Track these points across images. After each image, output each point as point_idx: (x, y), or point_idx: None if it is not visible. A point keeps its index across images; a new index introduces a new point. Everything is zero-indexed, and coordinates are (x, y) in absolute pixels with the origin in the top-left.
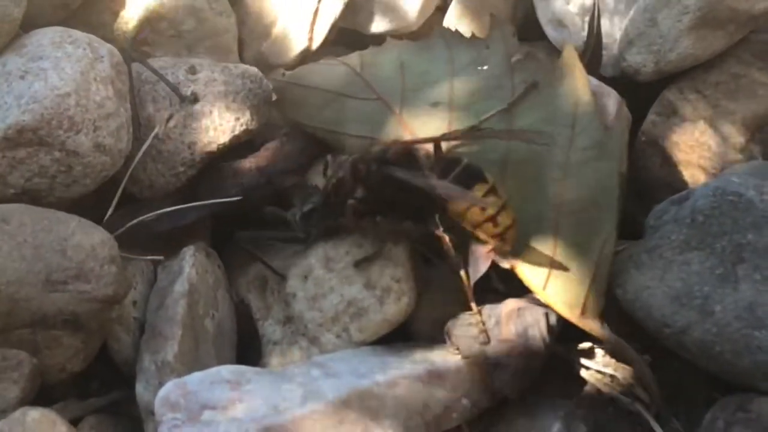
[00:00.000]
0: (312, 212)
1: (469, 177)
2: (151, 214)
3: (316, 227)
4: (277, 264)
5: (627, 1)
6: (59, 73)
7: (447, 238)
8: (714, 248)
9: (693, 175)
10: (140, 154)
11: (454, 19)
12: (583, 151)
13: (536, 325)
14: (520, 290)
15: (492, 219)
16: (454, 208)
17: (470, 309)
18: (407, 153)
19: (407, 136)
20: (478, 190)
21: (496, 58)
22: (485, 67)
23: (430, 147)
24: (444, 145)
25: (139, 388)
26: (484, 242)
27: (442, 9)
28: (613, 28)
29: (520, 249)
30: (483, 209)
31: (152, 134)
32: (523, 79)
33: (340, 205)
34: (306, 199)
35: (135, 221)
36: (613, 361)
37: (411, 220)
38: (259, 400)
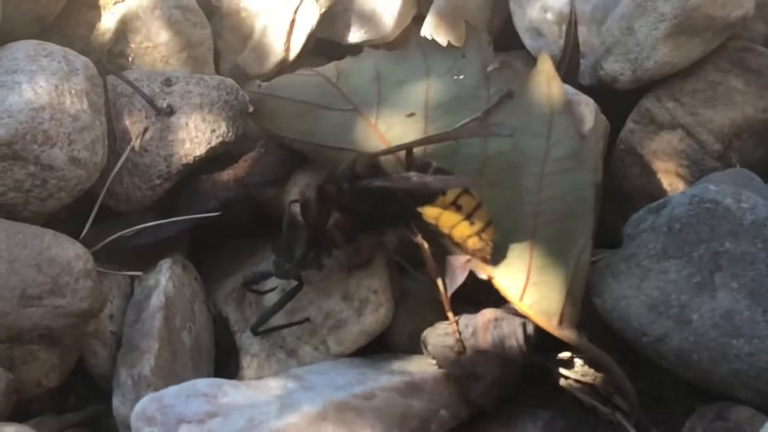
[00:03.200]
0: (306, 256)
1: None
2: (129, 229)
3: (316, 266)
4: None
5: (604, 9)
6: (34, 86)
7: (426, 246)
8: (691, 256)
9: (671, 183)
10: (117, 167)
11: (431, 29)
12: (559, 162)
13: (513, 336)
14: (498, 301)
15: (468, 218)
16: (429, 213)
17: (447, 319)
18: (373, 165)
19: (383, 147)
20: (451, 193)
21: (472, 67)
22: (461, 77)
23: (400, 155)
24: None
25: (116, 402)
26: (461, 246)
27: (418, 19)
28: (590, 37)
29: (497, 259)
30: (458, 210)
31: (128, 147)
32: (499, 89)
33: (319, 233)
34: (291, 246)
35: (113, 237)
36: (591, 370)
37: (389, 230)
38: (236, 413)
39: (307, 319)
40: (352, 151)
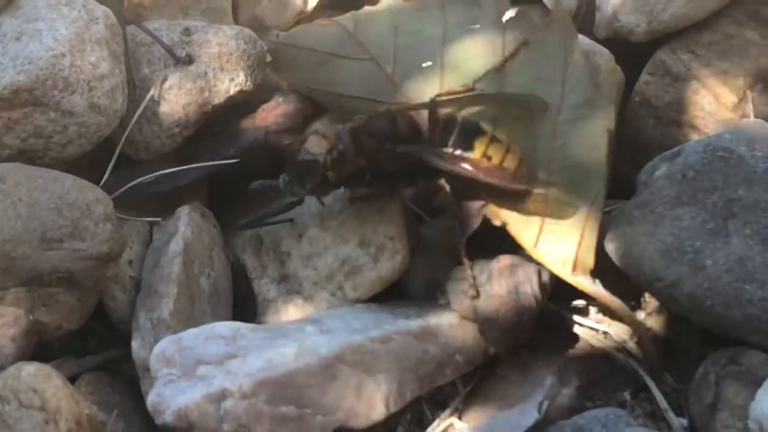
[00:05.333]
0: (316, 189)
1: (468, 133)
2: (149, 176)
3: (319, 198)
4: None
5: None
6: (54, 34)
7: (449, 188)
8: (705, 203)
9: (686, 134)
10: (136, 115)
11: None
12: (573, 109)
13: (528, 282)
14: (514, 248)
15: (499, 166)
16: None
17: (462, 264)
18: (414, 125)
19: (399, 97)
20: (480, 145)
21: (488, 17)
22: (477, 26)
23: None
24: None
25: (135, 345)
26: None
27: None
28: None
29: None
30: (489, 161)
31: (147, 96)
32: (515, 38)
33: (340, 179)
34: (304, 175)
35: (133, 183)
36: (606, 317)
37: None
38: (254, 354)
39: (291, 220)
40: (368, 101)
